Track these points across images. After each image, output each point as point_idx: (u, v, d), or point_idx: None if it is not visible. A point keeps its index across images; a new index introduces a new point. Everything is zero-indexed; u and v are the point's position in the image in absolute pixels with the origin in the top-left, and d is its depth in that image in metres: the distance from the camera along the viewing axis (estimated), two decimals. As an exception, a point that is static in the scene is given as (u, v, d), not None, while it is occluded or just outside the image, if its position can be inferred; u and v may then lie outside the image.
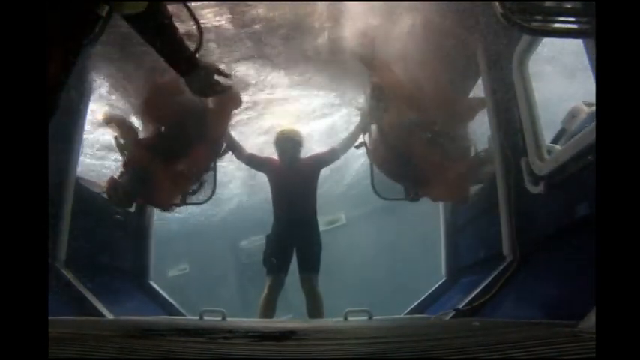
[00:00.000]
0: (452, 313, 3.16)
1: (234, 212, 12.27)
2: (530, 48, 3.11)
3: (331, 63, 4.44)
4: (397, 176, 4.44)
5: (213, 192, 5.00)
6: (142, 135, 4.38)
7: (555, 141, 3.62)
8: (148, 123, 4.34)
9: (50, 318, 1.15)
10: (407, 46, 4.20)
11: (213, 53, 4.07)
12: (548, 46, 4.71)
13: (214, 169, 4.92)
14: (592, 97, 3.12)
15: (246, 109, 5.37)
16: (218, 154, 4.70)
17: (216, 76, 2.28)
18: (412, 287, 6.00)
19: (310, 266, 4.71)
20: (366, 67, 4.16)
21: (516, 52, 3.16)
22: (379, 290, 10.27)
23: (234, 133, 4.94)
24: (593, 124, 2.49)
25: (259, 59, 4.44)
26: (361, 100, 5.17)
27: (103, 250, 4.28)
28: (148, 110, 4.20)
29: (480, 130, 4.11)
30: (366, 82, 4.65)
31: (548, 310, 2.41)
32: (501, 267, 3.22)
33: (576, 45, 2.37)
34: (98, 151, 5.88)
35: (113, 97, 4.36)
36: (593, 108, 3.39)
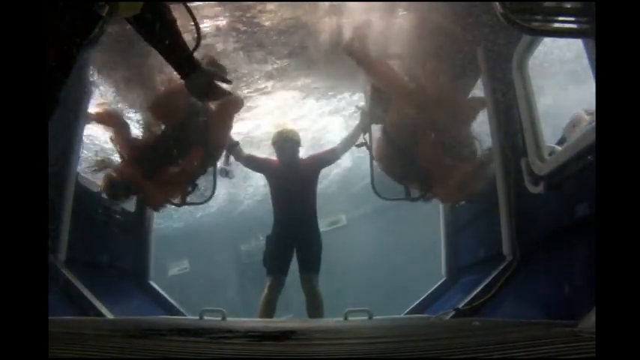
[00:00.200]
0: (452, 313, 3.16)
1: (236, 212, 12.29)
2: (530, 48, 3.11)
3: (331, 62, 4.43)
4: (402, 177, 4.41)
5: (213, 192, 5.01)
6: (139, 133, 4.38)
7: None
8: (155, 121, 4.32)
9: (50, 318, 1.15)
10: (407, 46, 4.20)
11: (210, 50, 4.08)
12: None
13: (214, 170, 4.93)
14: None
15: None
16: (218, 158, 4.70)
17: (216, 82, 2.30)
18: (412, 287, 6.00)
19: (310, 266, 4.71)
20: (356, 62, 4.13)
21: (516, 52, 3.16)
22: (379, 290, 10.28)
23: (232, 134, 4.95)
24: (593, 124, 2.49)
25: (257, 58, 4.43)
26: (361, 100, 5.18)
27: (103, 250, 4.28)
28: (158, 109, 4.19)
29: (479, 129, 4.11)
30: (366, 82, 4.65)
31: (548, 310, 2.41)
32: (501, 267, 3.22)
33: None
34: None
35: (112, 95, 4.35)
36: (594, 116, 3.40)
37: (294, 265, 4.78)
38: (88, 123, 4.16)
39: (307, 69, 4.72)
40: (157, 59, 3.92)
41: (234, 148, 4.82)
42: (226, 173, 4.86)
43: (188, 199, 4.84)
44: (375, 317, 3.45)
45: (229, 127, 4.62)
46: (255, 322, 3.54)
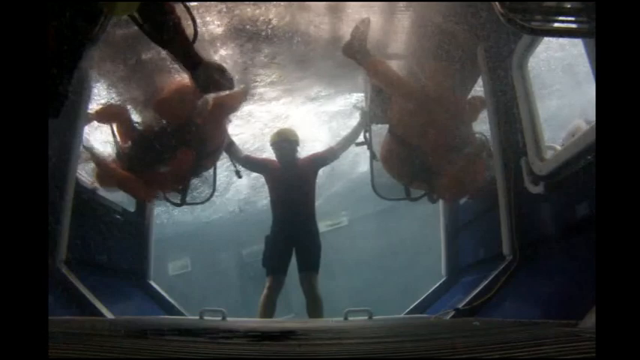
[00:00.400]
0: (452, 313, 3.16)
1: (237, 213, 12.27)
2: (530, 48, 3.11)
3: (330, 61, 4.42)
4: (411, 178, 4.31)
5: (213, 192, 5.01)
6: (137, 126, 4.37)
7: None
8: (157, 119, 4.31)
9: (50, 318, 1.15)
10: (406, 46, 4.20)
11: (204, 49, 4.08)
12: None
13: (214, 170, 4.93)
14: None
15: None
16: (215, 159, 4.70)
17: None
18: (412, 287, 5.99)
19: (309, 266, 4.70)
20: (357, 63, 4.08)
21: (516, 52, 3.16)
22: (379, 290, 10.28)
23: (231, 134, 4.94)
24: (594, 124, 2.49)
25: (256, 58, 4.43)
26: (362, 100, 5.18)
27: (103, 250, 4.28)
28: (164, 106, 4.17)
29: (479, 128, 4.11)
30: (366, 82, 4.65)
31: (548, 310, 2.41)
32: (501, 267, 3.22)
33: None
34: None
35: (112, 93, 4.34)
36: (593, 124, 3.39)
37: (295, 265, 4.78)
38: (90, 122, 4.16)
39: (307, 70, 4.72)
40: (157, 58, 3.96)
41: (230, 148, 4.82)
42: (237, 173, 4.86)
43: (188, 198, 4.85)
44: (375, 317, 3.45)
45: (225, 129, 4.60)
46: (255, 322, 3.54)
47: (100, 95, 4.25)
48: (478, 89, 4.17)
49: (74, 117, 3.72)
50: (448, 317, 3.14)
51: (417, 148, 4.06)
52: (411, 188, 4.50)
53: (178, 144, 4.13)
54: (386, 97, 4.34)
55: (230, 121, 4.83)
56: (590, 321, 1.66)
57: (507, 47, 3.24)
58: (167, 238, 11.07)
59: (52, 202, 3.36)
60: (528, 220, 3.14)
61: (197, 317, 3.54)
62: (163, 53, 3.74)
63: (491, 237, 3.60)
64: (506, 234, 3.29)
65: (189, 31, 2.36)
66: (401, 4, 3.77)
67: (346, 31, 3.97)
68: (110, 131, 4.28)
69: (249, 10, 3.74)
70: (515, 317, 2.56)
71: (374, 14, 3.88)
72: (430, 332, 1.93)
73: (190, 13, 2.35)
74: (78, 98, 3.74)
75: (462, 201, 4.72)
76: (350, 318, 3.37)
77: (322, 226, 4.97)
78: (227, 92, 4.28)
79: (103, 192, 4.52)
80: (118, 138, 4.25)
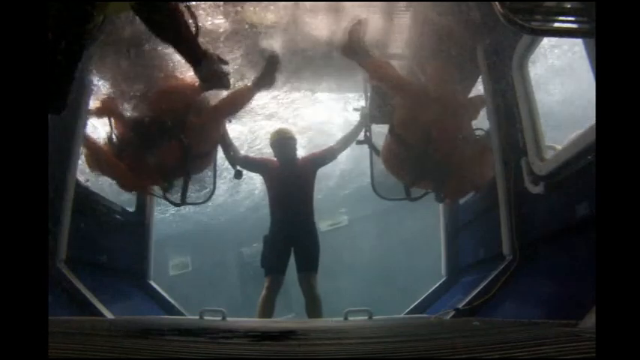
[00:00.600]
0: (452, 313, 3.16)
1: (238, 212, 12.29)
2: (530, 48, 3.11)
3: (329, 60, 4.41)
4: (415, 179, 4.25)
5: (213, 192, 5.01)
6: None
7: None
8: (156, 109, 4.27)
9: (50, 318, 1.15)
10: (406, 46, 4.20)
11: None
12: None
13: (214, 170, 4.93)
14: None
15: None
16: (210, 162, 4.69)
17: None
18: (412, 287, 6.00)
19: (308, 266, 4.70)
20: (356, 63, 4.04)
21: (516, 52, 3.16)
22: (380, 290, 10.28)
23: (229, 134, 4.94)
24: (593, 123, 2.49)
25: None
26: (361, 100, 5.17)
27: (103, 250, 4.28)
28: (163, 99, 4.14)
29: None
30: (366, 81, 4.65)
31: (548, 310, 2.41)
32: (501, 267, 3.22)
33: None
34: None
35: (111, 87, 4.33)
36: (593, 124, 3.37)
37: (295, 265, 4.78)
38: (89, 118, 4.14)
39: (308, 71, 4.71)
40: (159, 53, 3.97)
41: (229, 149, 4.82)
42: (239, 174, 4.84)
43: (188, 198, 4.85)
44: (375, 317, 3.45)
45: (219, 133, 4.59)
46: (255, 322, 3.54)
47: (100, 92, 4.24)
48: (478, 89, 4.18)
49: (74, 117, 3.72)
50: (448, 317, 3.14)
51: (419, 147, 4.00)
52: (416, 188, 4.48)
53: (170, 137, 4.09)
54: (386, 97, 4.33)
55: (230, 121, 4.82)
56: (590, 321, 1.66)
57: (507, 47, 3.24)
58: (167, 238, 11.09)
59: (52, 202, 3.36)
60: (528, 220, 3.14)
61: (197, 317, 3.54)
62: (165, 50, 3.77)
63: (491, 237, 3.60)
64: (506, 234, 3.29)
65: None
66: (401, 4, 3.77)
67: (347, 30, 3.96)
68: (107, 122, 4.26)
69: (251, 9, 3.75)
70: (515, 317, 2.56)
71: (374, 14, 3.88)
72: (430, 332, 1.93)
73: (190, 11, 2.46)
74: (78, 98, 3.74)
75: (462, 201, 4.72)
76: (350, 318, 3.37)
77: (322, 225, 4.97)
78: (227, 96, 4.32)
79: (103, 192, 4.53)
80: (115, 128, 4.22)
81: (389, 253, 11.60)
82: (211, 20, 3.78)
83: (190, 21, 2.40)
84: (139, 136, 4.08)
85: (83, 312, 3.15)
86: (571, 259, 2.50)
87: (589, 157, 2.36)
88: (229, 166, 5.05)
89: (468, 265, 4.48)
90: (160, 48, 3.82)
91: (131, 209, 5.05)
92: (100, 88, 4.20)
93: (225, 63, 2.74)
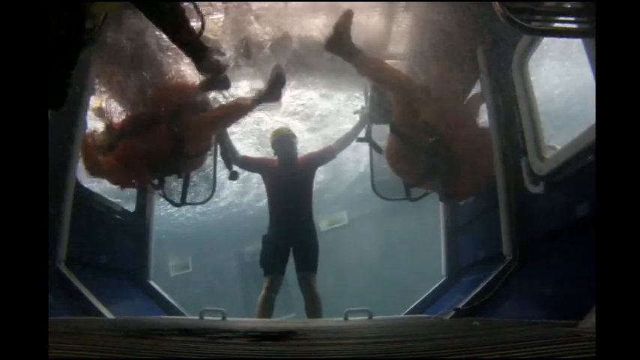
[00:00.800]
0: (452, 313, 3.16)
1: (238, 212, 12.28)
2: (530, 48, 3.11)
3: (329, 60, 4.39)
4: (422, 178, 4.08)
5: (213, 192, 5.02)
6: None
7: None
8: (155, 102, 4.24)
9: (50, 318, 1.15)
10: (406, 45, 4.19)
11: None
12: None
13: (214, 170, 4.93)
14: None
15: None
16: (200, 164, 4.67)
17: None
18: (412, 287, 6.00)
19: (307, 266, 4.70)
20: (344, 59, 3.86)
21: (516, 52, 3.16)
22: (380, 290, 10.29)
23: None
24: (593, 123, 2.48)
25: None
26: (361, 100, 5.17)
27: (103, 250, 4.28)
28: (163, 91, 4.19)
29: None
30: (366, 82, 4.65)
31: (548, 310, 2.41)
32: (501, 267, 3.22)
33: None
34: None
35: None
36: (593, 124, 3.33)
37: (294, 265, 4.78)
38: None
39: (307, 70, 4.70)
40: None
41: (227, 149, 4.81)
42: (234, 176, 4.83)
43: (188, 198, 4.85)
44: (375, 317, 3.45)
45: (211, 135, 4.56)
46: (255, 322, 3.54)
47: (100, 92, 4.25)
48: (478, 89, 4.17)
49: (74, 117, 3.72)
50: (448, 317, 3.14)
51: (422, 142, 3.85)
52: (417, 188, 4.43)
53: (161, 122, 4.09)
54: (387, 97, 4.31)
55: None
56: (590, 321, 1.66)
57: (507, 47, 3.24)
58: (167, 239, 11.08)
59: (52, 202, 3.36)
60: (528, 220, 3.14)
61: (197, 317, 3.54)
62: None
63: (491, 237, 3.59)
64: (506, 234, 3.29)
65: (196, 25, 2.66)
66: (401, 4, 3.77)
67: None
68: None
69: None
70: (515, 317, 2.56)
71: (374, 14, 3.87)
72: (430, 332, 1.93)
73: (197, 8, 2.67)
74: (78, 98, 3.74)
75: (462, 201, 4.71)
76: (350, 318, 3.37)
77: (322, 225, 4.97)
78: (226, 105, 4.39)
79: (102, 192, 4.53)
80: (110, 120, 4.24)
81: (389, 252, 11.60)
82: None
83: (193, 23, 2.50)
84: (132, 124, 4.09)
85: (83, 312, 3.15)
86: (571, 259, 2.50)
87: (589, 157, 2.36)
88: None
89: (468, 265, 4.48)
90: (163, 42, 3.84)
91: (131, 209, 5.05)
92: (100, 88, 4.21)
93: (223, 54, 2.90)
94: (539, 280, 2.80)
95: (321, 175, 5.15)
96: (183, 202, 4.83)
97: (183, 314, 4.69)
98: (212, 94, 4.45)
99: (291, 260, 4.80)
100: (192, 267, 13.89)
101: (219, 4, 3.70)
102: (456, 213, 4.88)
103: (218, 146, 4.83)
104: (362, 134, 4.81)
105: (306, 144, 6.67)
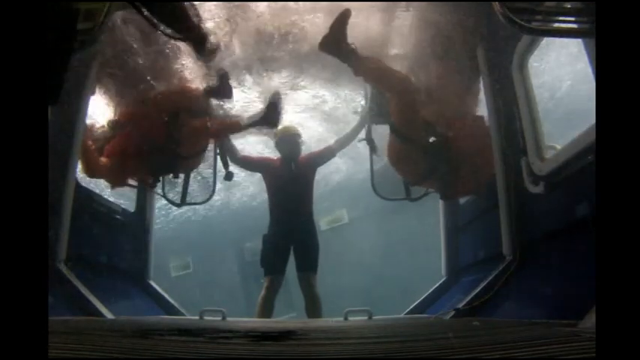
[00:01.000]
0: (452, 313, 3.16)
1: (239, 212, 12.27)
2: (530, 48, 3.11)
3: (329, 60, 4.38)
4: (424, 177, 4.05)
5: (213, 192, 5.01)
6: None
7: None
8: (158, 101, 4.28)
9: (50, 318, 1.15)
10: (405, 45, 4.19)
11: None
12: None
13: (214, 170, 4.93)
14: None
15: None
16: (196, 165, 4.71)
17: None
18: (412, 287, 5.99)
19: (307, 266, 4.70)
20: (340, 60, 3.81)
21: (516, 52, 3.16)
22: (380, 290, 10.28)
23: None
24: (593, 123, 2.49)
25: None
26: (361, 101, 5.17)
27: (103, 250, 4.28)
28: (166, 93, 4.21)
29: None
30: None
31: (548, 310, 2.41)
32: (501, 267, 3.22)
33: None
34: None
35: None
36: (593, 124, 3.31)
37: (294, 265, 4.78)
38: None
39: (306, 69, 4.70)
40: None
41: (227, 149, 4.81)
42: (229, 176, 4.83)
43: (188, 198, 4.86)
44: (375, 317, 3.45)
45: (205, 141, 4.60)
46: (255, 322, 3.54)
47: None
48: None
49: (74, 117, 3.72)
50: (448, 317, 3.14)
51: (422, 140, 3.85)
52: (417, 187, 4.43)
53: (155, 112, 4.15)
54: (386, 97, 4.30)
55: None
56: (590, 321, 1.66)
57: (507, 47, 3.24)
58: (168, 240, 11.09)
59: (52, 202, 3.36)
60: (528, 220, 3.14)
61: (197, 317, 3.54)
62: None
63: (491, 237, 3.59)
64: (506, 234, 3.29)
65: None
66: (401, 3, 3.76)
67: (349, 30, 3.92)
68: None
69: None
70: (515, 317, 2.56)
71: (373, 14, 3.86)
72: (430, 332, 1.93)
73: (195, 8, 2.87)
74: (78, 98, 3.74)
75: (462, 201, 4.71)
76: (350, 318, 3.37)
77: (322, 224, 4.96)
78: (223, 122, 4.51)
79: (102, 192, 4.53)
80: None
81: (389, 252, 11.59)
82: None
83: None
84: (130, 115, 4.15)
85: (83, 312, 3.16)
86: (571, 259, 2.50)
87: (589, 157, 2.36)
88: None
89: (467, 265, 4.48)
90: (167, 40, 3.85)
91: (131, 209, 5.05)
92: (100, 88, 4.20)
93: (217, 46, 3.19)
94: (539, 280, 2.80)
95: (321, 174, 5.11)
96: (183, 202, 4.83)
97: (183, 314, 4.69)
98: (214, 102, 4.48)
99: (291, 259, 4.80)
100: (192, 267, 13.89)
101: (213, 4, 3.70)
102: (456, 213, 4.87)
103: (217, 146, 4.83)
104: (362, 135, 4.80)
105: (319, 138, 6.61)
